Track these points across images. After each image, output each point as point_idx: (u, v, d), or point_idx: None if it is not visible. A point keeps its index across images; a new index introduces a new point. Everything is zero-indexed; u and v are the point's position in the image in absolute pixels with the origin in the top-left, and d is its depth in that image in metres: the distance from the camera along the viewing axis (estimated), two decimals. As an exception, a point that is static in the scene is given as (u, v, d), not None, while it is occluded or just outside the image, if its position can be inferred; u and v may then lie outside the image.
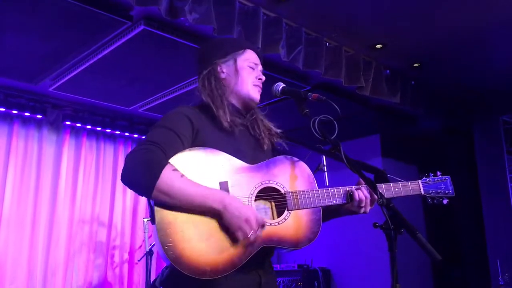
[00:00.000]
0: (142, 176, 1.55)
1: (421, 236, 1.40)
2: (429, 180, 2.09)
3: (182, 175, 1.59)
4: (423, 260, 6.30)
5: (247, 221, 1.57)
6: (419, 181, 2.07)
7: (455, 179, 2.16)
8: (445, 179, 2.12)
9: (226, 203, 1.58)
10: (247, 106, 1.96)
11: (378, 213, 1.55)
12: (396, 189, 1.98)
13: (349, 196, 1.86)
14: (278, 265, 6.24)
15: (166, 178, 1.54)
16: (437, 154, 6.79)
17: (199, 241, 1.57)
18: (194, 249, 1.55)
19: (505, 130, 5.83)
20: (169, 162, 1.60)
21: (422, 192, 2.05)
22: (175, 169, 1.59)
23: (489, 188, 5.82)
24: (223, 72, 1.93)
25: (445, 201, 2.08)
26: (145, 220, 5.05)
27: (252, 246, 1.63)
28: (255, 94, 1.93)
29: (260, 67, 2.00)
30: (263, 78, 1.98)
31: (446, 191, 2.09)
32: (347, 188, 1.87)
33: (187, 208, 1.58)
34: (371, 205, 1.89)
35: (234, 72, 1.92)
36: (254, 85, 1.93)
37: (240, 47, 1.98)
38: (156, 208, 1.57)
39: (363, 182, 1.88)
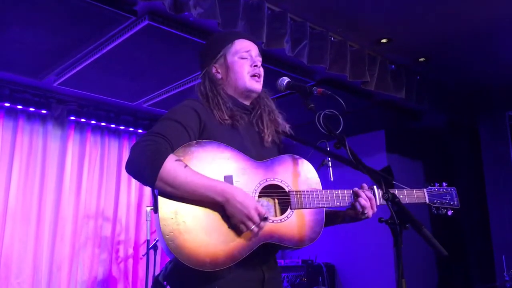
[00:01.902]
0: (145, 166, 1.56)
1: (427, 231, 1.39)
2: (435, 190, 2.09)
3: (186, 166, 1.59)
4: (428, 255, 6.29)
5: (249, 215, 1.57)
6: (424, 189, 2.07)
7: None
8: (450, 190, 2.13)
9: (228, 196, 1.58)
10: (250, 98, 1.94)
11: (383, 208, 1.54)
12: (401, 196, 1.95)
13: (354, 196, 1.84)
14: (282, 261, 6.24)
15: (169, 168, 1.54)
16: (442, 150, 6.76)
17: (200, 233, 1.57)
18: (195, 240, 1.55)
19: (511, 126, 5.79)
20: (172, 153, 1.60)
21: (427, 200, 2.05)
22: (178, 159, 1.59)
23: (494, 183, 5.79)
24: (219, 73, 1.92)
25: (449, 212, 2.09)
26: (148, 208, 5.06)
27: (252, 241, 1.62)
28: (253, 84, 1.89)
29: (254, 52, 1.94)
30: (258, 63, 1.93)
31: (451, 202, 2.10)
32: (352, 191, 1.86)
33: (190, 199, 1.58)
34: (373, 208, 1.86)
35: (226, 69, 1.90)
36: (250, 75, 1.89)
37: (228, 41, 1.94)
38: (159, 198, 1.57)
39: (365, 186, 1.88)
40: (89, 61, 4.24)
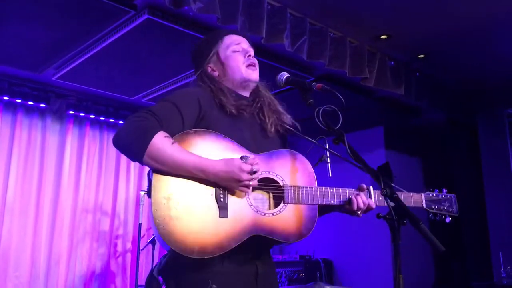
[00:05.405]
0: (133, 141, 1.59)
1: (425, 227, 1.39)
2: (433, 196, 2.07)
3: (173, 143, 1.61)
4: (426, 251, 6.30)
5: (238, 178, 1.61)
6: (422, 194, 2.05)
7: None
8: (450, 197, 2.10)
9: (210, 171, 1.60)
10: (248, 89, 1.95)
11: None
12: None
13: (348, 200, 1.85)
14: (280, 256, 6.25)
15: (157, 144, 1.57)
16: (441, 147, 6.77)
17: (190, 220, 1.58)
18: (185, 227, 1.56)
19: (510, 123, 5.80)
20: (161, 130, 1.61)
21: (424, 205, 2.04)
22: (167, 136, 1.61)
23: (492, 181, 5.80)
24: (215, 71, 1.94)
25: (447, 219, 2.05)
26: (142, 193, 5.07)
27: (242, 231, 1.62)
28: (250, 74, 1.92)
29: (244, 44, 1.97)
30: (251, 53, 1.96)
31: (450, 209, 2.07)
32: (347, 191, 1.86)
33: (177, 174, 1.60)
34: (366, 212, 1.87)
35: (222, 65, 1.93)
36: (246, 66, 1.92)
37: (217, 39, 1.98)
38: (153, 183, 1.58)
39: (364, 188, 1.88)
40: (88, 55, 4.22)
